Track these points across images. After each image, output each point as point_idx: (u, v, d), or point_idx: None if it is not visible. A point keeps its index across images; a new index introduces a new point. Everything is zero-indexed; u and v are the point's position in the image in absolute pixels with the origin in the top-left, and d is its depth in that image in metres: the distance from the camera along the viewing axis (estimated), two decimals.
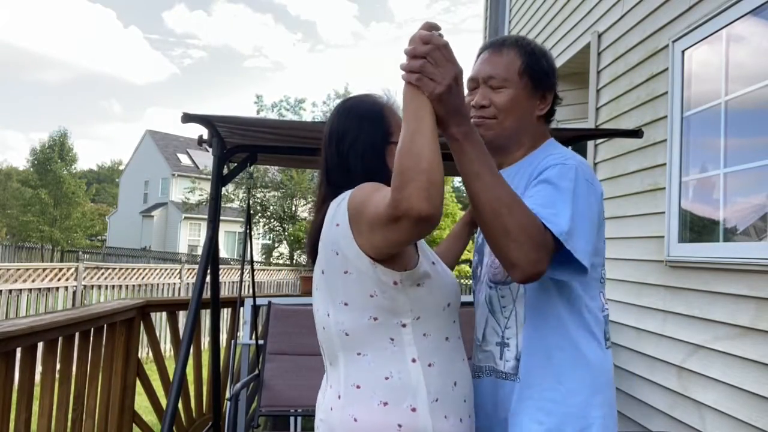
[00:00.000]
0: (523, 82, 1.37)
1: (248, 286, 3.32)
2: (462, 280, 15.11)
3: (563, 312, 1.28)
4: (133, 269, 9.36)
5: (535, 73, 1.37)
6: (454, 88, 1.07)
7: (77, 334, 2.59)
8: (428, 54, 1.06)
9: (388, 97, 1.44)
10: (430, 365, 1.22)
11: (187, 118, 2.23)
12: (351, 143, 1.33)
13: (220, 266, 3.05)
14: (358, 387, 1.21)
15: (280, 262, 21.18)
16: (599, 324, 1.31)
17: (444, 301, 1.27)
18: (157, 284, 9.54)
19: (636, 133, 2.52)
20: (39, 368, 2.36)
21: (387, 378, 1.20)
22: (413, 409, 1.18)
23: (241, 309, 3.76)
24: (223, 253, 25.81)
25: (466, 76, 1.36)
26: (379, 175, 1.27)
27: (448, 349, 1.26)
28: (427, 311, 1.23)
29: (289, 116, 19.89)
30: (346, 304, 1.23)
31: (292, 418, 3.93)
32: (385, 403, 1.18)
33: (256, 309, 3.85)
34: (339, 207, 1.25)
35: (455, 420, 1.22)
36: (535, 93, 1.38)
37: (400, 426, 1.16)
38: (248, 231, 2.94)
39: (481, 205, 1.11)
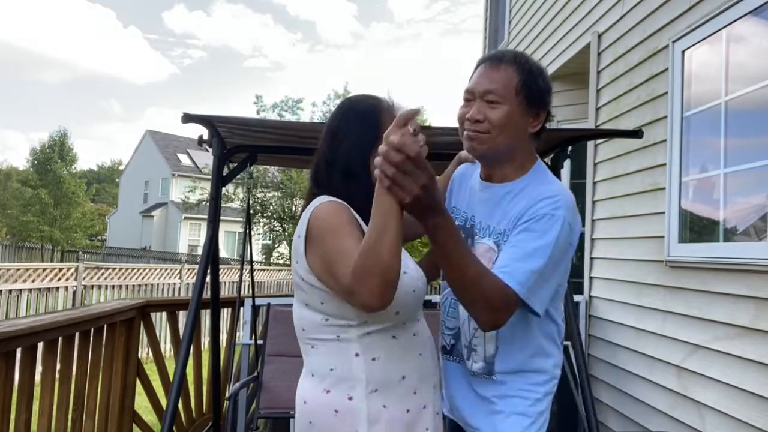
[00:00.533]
0: (518, 99, 1.39)
1: (248, 286, 3.32)
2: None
3: (535, 327, 1.43)
4: (133, 269, 9.36)
5: (531, 92, 1.40)
6: (422, 197, 1.10)
7: (77, 334, 2.59)
8: (399, 164, 1.07)
9: (389, 99, 1.47)
10: (374, 359, 1.33)
11: (188, 118, 2.23)
12: (341, 140, 1.41)
13: (220, 266, 3.05)
14: (312, 375, 1.38)
15: (280, 262, 21.17)
16: (560, 332, 1.50)
17: (392, 310, 1.29)
18: (157, 284, 9.54)
19: (636, 133, 2.52)
20: (39, 368, 2.36)
21: (331, 369, 1.34)
22: (350, 398, 1.32)
23: (241, 309, 3.76)
24: (223, 253, 25.81)
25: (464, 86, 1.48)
26: (356, 177, 1.37)
27: (396, 346, 1.36)
28: (373, 318, 1.32)
29: (288, 117, 19.87)
30: (306, 305, 1.38)
31: (291, 420, 3.93)
32: (328, 391, 1.33)
33: (255, 309, 3.85)
34: (303, 219, 1.37)
35: (398, 409, 1.34)
36: (529, 111, 1.42)
37: (336, 411, 1.31)
38: (248, 231, 2.94)
39: (451, 281, 1.28)
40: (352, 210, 1.36)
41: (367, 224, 1.25)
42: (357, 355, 1.33)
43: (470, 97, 1.43)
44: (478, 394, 1.47)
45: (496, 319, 1.28)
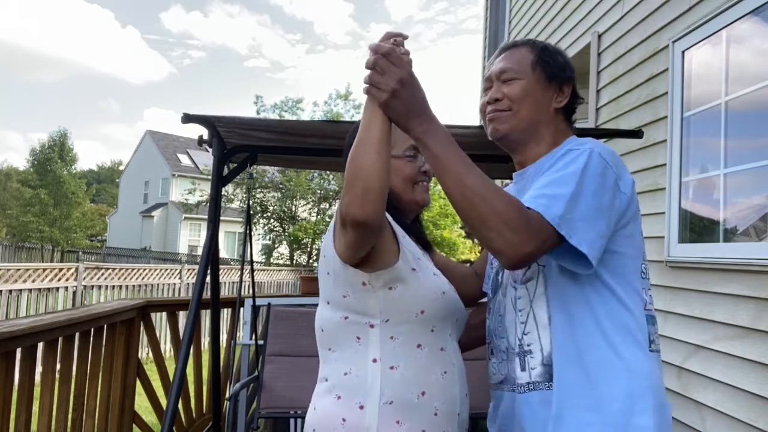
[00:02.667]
0: (536, 74, 1.34)
1: (248, 286, 3.32)
2: None
3: (595, 309, 1.19)
4: (133, 269, 9.36)
5: (548, 66, 1.34)
6: (400, 92, 1.09)
7: (77, 335, 2.59)
8: (374, 63, 1.08)
9: None
10: (392, 368, 1.23)
11: (188, 118, 2.23)
12: (352, 140, 1.36)
13: (220, 266, 3.05)
14: (326, 380, 1.30)
15: (280, 262, 21.19)
16: (639, 323, 1.20)
17: (417, 308, 1.25)
18: (157, 284, 9.54)
19: (636, 134, 2.52)
20: (39, 368, 2.36)
21: (346, 374, 1.25)
22: (361, 407, 1.21)
23: (241, 309, 3.76)
24: (223, 253, 25.81)
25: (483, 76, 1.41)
26: None
27: (420, 357, 1.25)
28: (397, 315, 1.24)
29: (287, 117, 19.88)
30: (328, 303, 1.32)
31: (291, 420, 3.93)
32: (339, 397, 1.24)
33: (256, 309, 3.84)
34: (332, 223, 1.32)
35: (414, 428, 1.21)
36: (550, 85, 1.35)
37: (344, 420, 1.21)
38: (248, 231, 2.94)
39: (453, 197, 1.10)
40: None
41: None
42: (375, 361, 1.24)
43: (488, 84, 1.39)
44: (540, 416, 1.20)
45: (519, 242, 1.06)
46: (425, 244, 1.46)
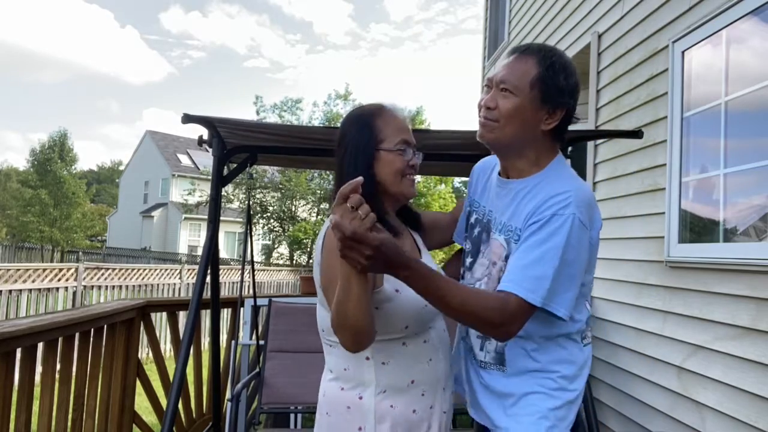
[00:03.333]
0: (532, 93, 1.37)
1: (248, 286, 3.33)
2: None
3: (550, 326, 1.41)
4: (133, 269, 9.36)
5: (547, 87, 1.37)
6: (372, 264, 1.15)
7: (77, 335, 2.59)
8: (340, 242, 1.13)
9: (389, 105, 1.52)
10: (383, 363, 1.42)
11: (188, 118, 2.23)
12: (345, 148, 1.48)
13: (220, 266, 3.05)
14: (331, 371, 1.49)
15: (280, 262, 21.19)
16: (578, 326, 1.46)
17: (401, 324, 1.41)
18: (157, 284, 9.54)
19: (636, 134, 2.52)
20: (39, 368, 2.36)
21: (345, 369, 1.44)
22: (360, 397, 1.42)
23: (241, 309, 3.76)
24: (223, 254, 25.81)
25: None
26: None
27: (406, 353, 1.43)
28: (383, 329, 1.38)
29: (287, 117, 19.89)
30: (323, 306, 1.46)
31: (292, 415, 3.93)
32: (342, 388, 1.44)
33: (256, 309, 3.85)
34: (320, 235, 1.46)
35: (405, 410, 1.42)
36: (543, 106, 1.38)
37: (348, 407, 1.42)
38: (248, 231, 2.94)
39: (443, 313, 1.35)
40: None
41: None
42: (368, 358, 1.42)
43: (489, 84, 1.43)
44: (494, 390, 1.48)
45: (506, 332, 1.30)
46: (414, 224, 1.62)
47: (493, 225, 1.50)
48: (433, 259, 1.59)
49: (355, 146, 1.46)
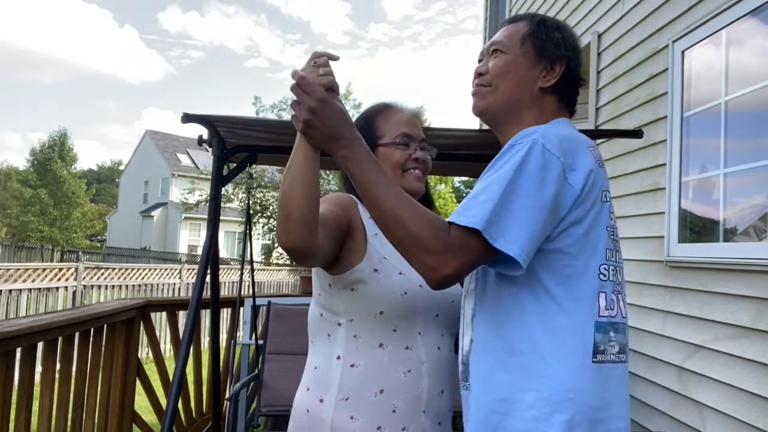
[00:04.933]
0: (524, 48, 1.25)
1: (248, 286, 3.32)
2: None
3: (527, 312, 1.09)
4: (133, 269, 9.36)
5: (539, 40, 1.24)
6: (311, 121, 1.09)
7: (77, 334, 2.59)
8: (292, 90, 1.10)
9: (394, 103, 1.51)
10: (352, 366, 1.30)
11: (187, 118, 2.23)
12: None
13: (220, 266, 3.05)
14: (306, 371, 1.40)
15: (280, 262, 21.19)
16: (580, 330, 1.08)
17: (376, 309, 1.30)
18: (157, 284, 9.54)
19: (636, 134, 2.53)
20: (39, 368, 2.36)
21: (315, 368, 1.35)
22: (321, 400, 1.30)
23: (241, 309, 3.76)
24: (223, 253, 25.80)
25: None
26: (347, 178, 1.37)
27: (381, 357, 1.30)
28: (359, 315, 1.31)
29: (285, 116, 19.88)
30: (315, 298, 1.43)
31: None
32: (308, 389, 1.35)
33: (255, 309, 3.85)
34: None
35: (368, 425, 1.26)
36: (539, 61, 1.24)
37: (308, 411, 1.32)
38: (248, 231, 2.94)
39: (377, 221, 1.10)
40: (357, 206, 1.40)
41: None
42: (338, 358, 1.32)
43: (480, 57, 1.32)
44: (465, 412, 1.19)
45: (437, 265, 1.02)
46: None
47: None
48: None
49: None
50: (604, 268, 1.12)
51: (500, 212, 1.02)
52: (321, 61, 1.12)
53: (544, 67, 1.24)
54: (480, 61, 1.32)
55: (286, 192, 1.11)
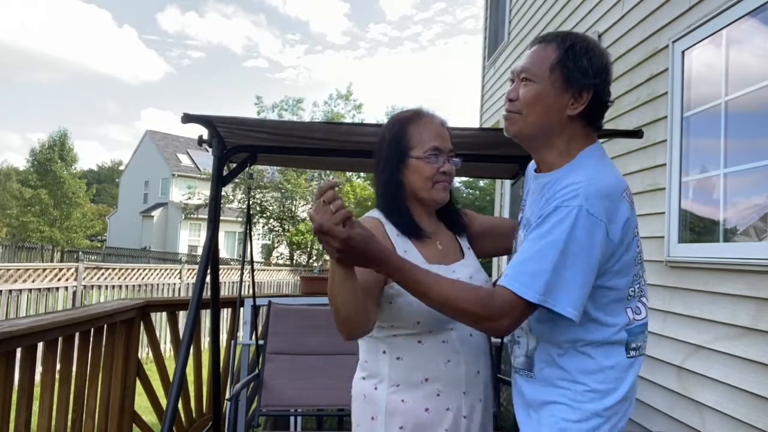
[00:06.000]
0: (553, 77, 1.31)
1: (248, 286, 3.32)
2: None
3: (571, 329, 1.30)
4: (133, 269, 9.36)
5: (568, 69, 1.30)
6: (343, 257, 1.20)
7: (77, 335, 2.59)
8: (315, 234, 1.20)
9: (426, 111, 1.58)
10: (398, 358, 1.46)
11: (188, 118, 2.23)
12: (380, 152, 1.56)
13: (220, 266, 3.05)
14: (358, 362, 1.57)
15: (280, 262, 21.19)
16: (616, 338, 1.32)
17: (413, 319, 1.43)
18: (157, 284, 9.54)
19: (636, 134, 2.52)
20: (39, 368, 2.36)
21: (366, 361, 1.53)
22: (375, 388, 1.48)
23: (241, 309, 3.76)
24: (223, 253, 25.80)
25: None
26: (386, 186, 1.53)
27: (421, 350, 1.45)
28: (398, 323, 1.45)
29: (287, 116, 19.88)
30: None
31: (292, 418, 3.92)
32: (363, 378, 1.53)
33: (256, 309, 3.84)
34: None
35: (417, 406, 1.44)
36: (567, 90, 1.31)
37: (365, 396, 1.50)
38: (248, 231, 2.94)
39: (432, 307, 1.29)
40: (383, 226, 1.50)
41: (405, 235, 1.50)
42: (384, 352, 1.47)
43: (512, 77, 1.39)
44: (524, 397, 1.40)
45: (494, 327, 1.25)
46: (459, 228, 1.64)
47: (522, 222, 1.47)
48: (476, 262, 1.61)
49: (387, 152, 1.54)
50: (632, 291, 1.34)
51: (554, 283, 1.20)
52: (328, 197, 1.18)
53: (572, 95, 1.32)
54: (511, 80, 1.40)
55: (333, 303, 1.28)
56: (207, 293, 2.70)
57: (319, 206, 1.18)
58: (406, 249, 1.48)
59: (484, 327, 1.28)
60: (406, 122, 1.55)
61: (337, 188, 1.22)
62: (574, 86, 1.31)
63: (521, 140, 1.39)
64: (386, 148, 1.55)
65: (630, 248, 1.31)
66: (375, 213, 1.55)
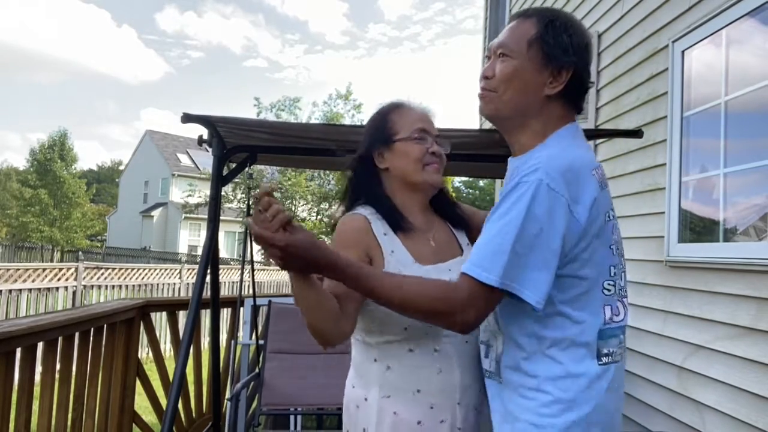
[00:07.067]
0: (531, 52, 1.23)
1: (248, 286, 3.32)
2: None
3: (536, 325, 1.19)
4: (133, 269, 9.36)
5: (547, 45, 1.22)
6: (285, 264, 1.14)
7: (77, 334, 2.59)
8: (257, 243, 1.17)
9: (407, 101, 1.54)
10: (389, 368, 1.39)
11: (188, 118, 2.23)
12: (360, 148, 1.52)
13: (220, 266, 3.05)
14: (350, 368, 1.51)
15: None
16: (587, 338, 1.18)
17: (400, 325, 1.37)
18: (157, 284, 9.54)
19: (636, 133, 2.53)
20: (39, 368, 2.36)
21: (357, 368, 1.46)
22: (365, 399, 1.41)
23: (241, 309, 3.76)
24: (223, 253, 25.80)
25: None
26: (358, 177, 1.50)
27: (412, 359, 1.38)
28: (388, 328, 1.39)
29: (285, 116, 19.86)
30: None
31: (292, 417, 3.93)
32: (354, 386, 1.46)
33: (256, 309, 3.85)
34: None
35: (409, 418, 1.37)
36: (546, 68, 1.23)
37: (357, 407, 1.43)
38: (248, 231, 2.93)
39: (395, 312, 1.22)
40: (370, 224, 1.43)
41: (392, 229, 1.43)
42: (375, 360, 1.41)
43: (489, 54, 1.31)
44: (495, 402, 1.31)
45: (462, 322, 1.14)
46: (455, 220, 1.57)
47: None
48: None
49: (370, 141, 1.49)
50: (609, 284, 1.21)
51: (514, 265, 1.10)
52: (263, 204, 1.14)
53: (550, 73, 1.24)
54: (487, 57, 1.32)
55: (306, 314, 1.23)
56: (207, 293, 2.70)
57: (256, 214, 1.15)
58: (393, 249, 1.41)
59: (450, 323, 1.16)
60: (388, 111, 1.51)
61: (276, 192, 1.19)
62: (553, 64, 1.23)
63: (496, 120, 1.30)
64: (368, 139, 1.49)
65: (603, 234, 1.18)
66: (361, 209, 1.47)
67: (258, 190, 1.17)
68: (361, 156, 1.50)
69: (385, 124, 1.48)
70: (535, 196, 1.10)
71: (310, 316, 1.23)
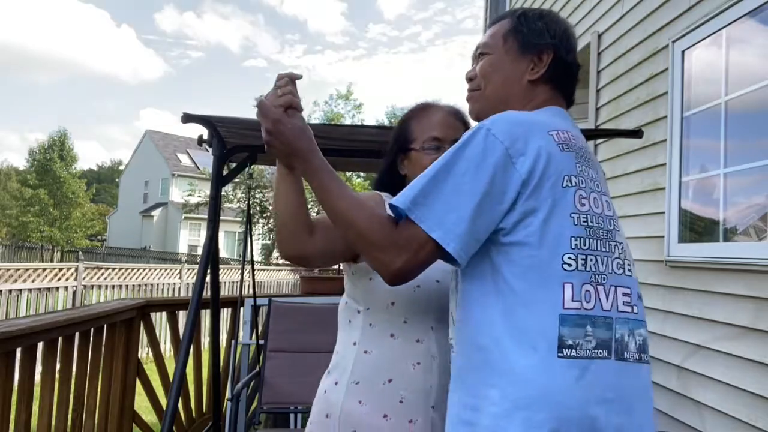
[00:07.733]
0: (507, 45, 1.24)
1: (248, 286, 3.33)
2: None
3: (492, 307, 1.05)
4: (133, 269, 9.36)
5: (521, 34, 1.23)
6: (271, 141, 1.16)
7: (77, 334, 2.59)
8: (257, 117, 1.17)
9: (430, 102, 1.55)
10: (366, 352, 1.35)
11: (187, 118, 2.23)
12: (385, 154, 1.57)
13: (220, 266, 3.05)
14: (333, 356, 1.46)
15: (280, 262, 21.17)
16: (542, 324, 1.01)
17: (388, 299, 1.35)
18: (157, 284, 9.54)
19: (636, 133, 2.52)
20: (39, 368, 2.36)
21: (337, 353, 1.42)
22: (336, 383, 1.36)
23: (241, 309, 3.76)
24: (223, 253, 25.81)
25: None
26: (381, 178, 1.54)
27: (392, 347, 1.35)
28: (374, 304, 1.37)
29: None
30: (345, 287, 1.50)
31: (292, 415, 3.93)
32: (329, 372, 1.41)
33: (256, 309, 3.85)
34: None
35: (374, 412, 1.30)
36: (524, 56, 1.23)
37: (325, 392, 1.38)
38: (248, 231, 2.94)
39: (336, 227, 1.15)
40: (385, 201, 1.42)
41: None
42: (354, 343, 1.38)
43: (473, 62, 1.32)
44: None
45: (388, 260, 1.03)
46: None
47: None
48: None
49: (392, 147, 1.54)
50: (570, 258, 1.04)
51: (429, 193, 1.03)
52: (281, 83, 1.18)
53: (531, 60, 1.23)
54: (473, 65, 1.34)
55: (273, 206, 1.20)
56: (207, 293, 2.70)
57: (272, 91, 1.19)
58: None
59: (378, 260, 1.05)
60: (409, 117, 1.54)
61: (298, 79, 1.21)
62: (532, 50, 1.22)
63: (484, 117, 1.20)
64: (393, 144, 1.54)
65: (557, 197, 1.04)
66: (383, 194, 1.50)
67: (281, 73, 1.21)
68: (389, 161, 1.53)
69: (405, 130, 1.51)
70: (471, 138, 1.05)
71: (284, 214, 1.22)
